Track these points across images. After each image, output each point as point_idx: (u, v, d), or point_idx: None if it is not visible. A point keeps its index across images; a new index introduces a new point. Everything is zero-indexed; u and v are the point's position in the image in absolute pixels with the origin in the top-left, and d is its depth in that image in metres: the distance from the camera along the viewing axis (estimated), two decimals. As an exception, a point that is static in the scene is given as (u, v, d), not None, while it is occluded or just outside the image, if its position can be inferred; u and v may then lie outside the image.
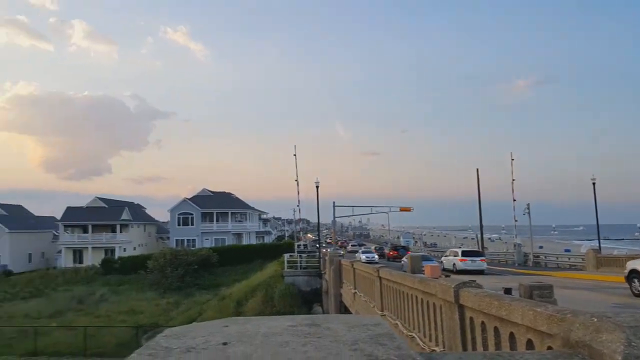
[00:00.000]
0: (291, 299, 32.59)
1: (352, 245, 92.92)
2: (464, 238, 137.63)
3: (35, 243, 73.18)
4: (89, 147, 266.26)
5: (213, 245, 65.70)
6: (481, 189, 45.16)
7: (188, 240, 69.63)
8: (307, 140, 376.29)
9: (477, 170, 45.36)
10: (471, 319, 5.60)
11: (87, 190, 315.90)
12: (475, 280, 6.09)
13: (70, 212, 71.99)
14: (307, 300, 33.72)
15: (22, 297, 46.02)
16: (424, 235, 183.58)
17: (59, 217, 72.49)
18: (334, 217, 49.06)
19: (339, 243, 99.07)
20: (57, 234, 74.20)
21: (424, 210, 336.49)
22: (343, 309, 22.13)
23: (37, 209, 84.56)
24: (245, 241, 72.31)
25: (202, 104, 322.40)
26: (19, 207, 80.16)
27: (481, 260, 30.99)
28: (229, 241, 70.12)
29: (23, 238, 70.00)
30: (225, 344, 2.02)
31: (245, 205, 79.60)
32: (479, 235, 47.94)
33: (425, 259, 29.95)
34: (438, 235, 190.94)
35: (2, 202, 74.76)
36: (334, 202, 47.52)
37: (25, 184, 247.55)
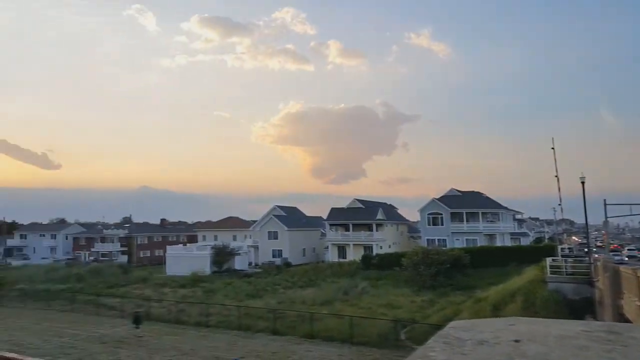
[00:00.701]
0: (555, 306, 29.53)
1: (628, 250, 79.54)
2: None
3: (307, 240, 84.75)
4: (347, 154, 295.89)
5: (464, 245, 64.64)
6: None
7: (439, 239, 70.15)
8: (566, 131, 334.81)
9: None
10: None
11: (347, 193, 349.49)
12: None
13: (334, 212, 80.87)
14: (574, 310, 30.01)
15: (300, 285, 53.38)
16: None
17: (325, 217, 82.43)
18: (606, 218, 42.35)
19: (613, 247, 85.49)
20: (324, 232, 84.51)
21: None
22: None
23: (308, 210, 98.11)
24: (498, 242, 68.77)
25: (446, 103, 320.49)
26: (294, 208, 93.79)
27: None
28: (480, 242, 67.76)
29: (298, 235, 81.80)
30: (517, 341, 2.07)
31: (496, 205, 75.76)
32: None
33: None
34: None
35: (282, 205, 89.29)
36: (604, 200, 41.05)
37: (298, 188, 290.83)
